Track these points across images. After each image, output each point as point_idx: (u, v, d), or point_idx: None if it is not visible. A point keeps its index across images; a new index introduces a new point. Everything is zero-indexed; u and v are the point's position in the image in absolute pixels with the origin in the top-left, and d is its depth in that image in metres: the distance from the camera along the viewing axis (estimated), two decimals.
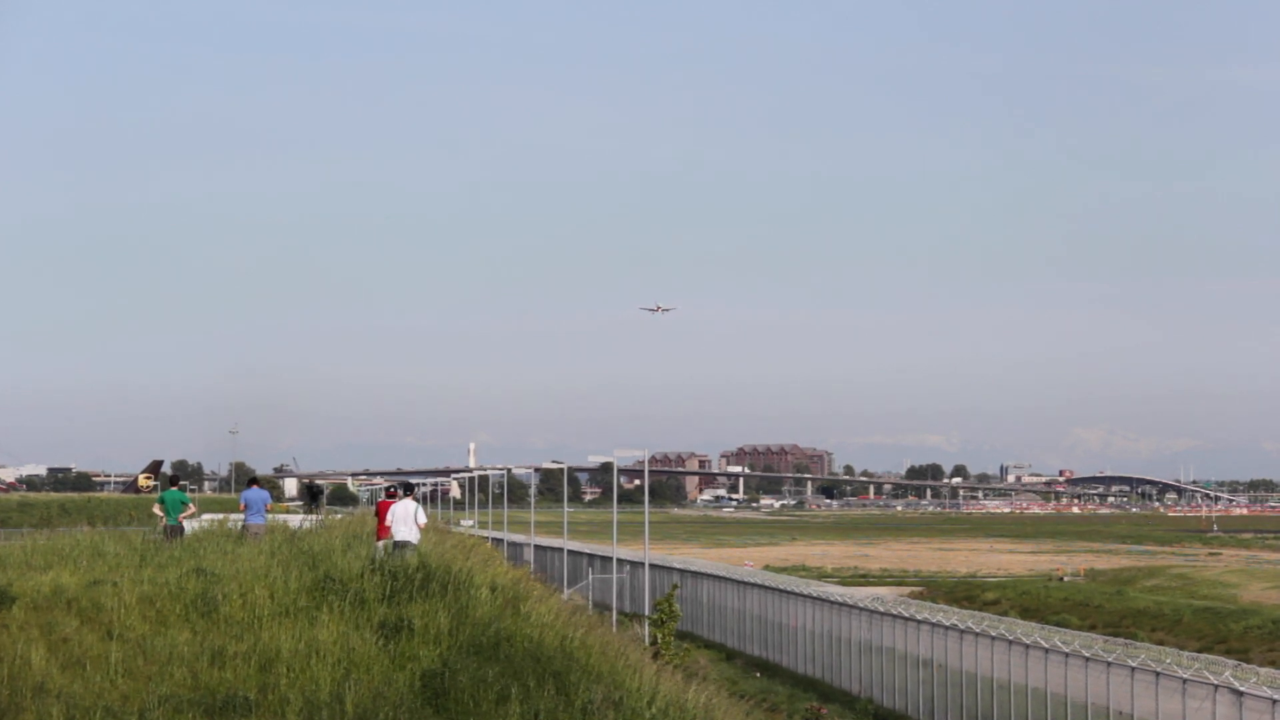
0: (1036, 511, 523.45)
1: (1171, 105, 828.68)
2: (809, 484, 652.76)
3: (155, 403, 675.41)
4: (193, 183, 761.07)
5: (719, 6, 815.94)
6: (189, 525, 45.38)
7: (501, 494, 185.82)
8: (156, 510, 45.08)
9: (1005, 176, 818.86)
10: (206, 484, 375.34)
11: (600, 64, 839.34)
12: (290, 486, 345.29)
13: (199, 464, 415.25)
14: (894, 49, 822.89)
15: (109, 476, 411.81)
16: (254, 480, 51.28)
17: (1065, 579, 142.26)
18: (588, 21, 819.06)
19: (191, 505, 45.77)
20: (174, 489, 45.92)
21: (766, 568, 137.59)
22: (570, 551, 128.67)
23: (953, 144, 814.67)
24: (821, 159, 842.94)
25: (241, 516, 46.01)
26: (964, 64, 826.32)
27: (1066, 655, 57.57)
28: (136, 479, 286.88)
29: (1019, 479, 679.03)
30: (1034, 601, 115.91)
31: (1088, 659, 56.19)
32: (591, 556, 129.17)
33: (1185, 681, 50.27)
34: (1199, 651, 71.07)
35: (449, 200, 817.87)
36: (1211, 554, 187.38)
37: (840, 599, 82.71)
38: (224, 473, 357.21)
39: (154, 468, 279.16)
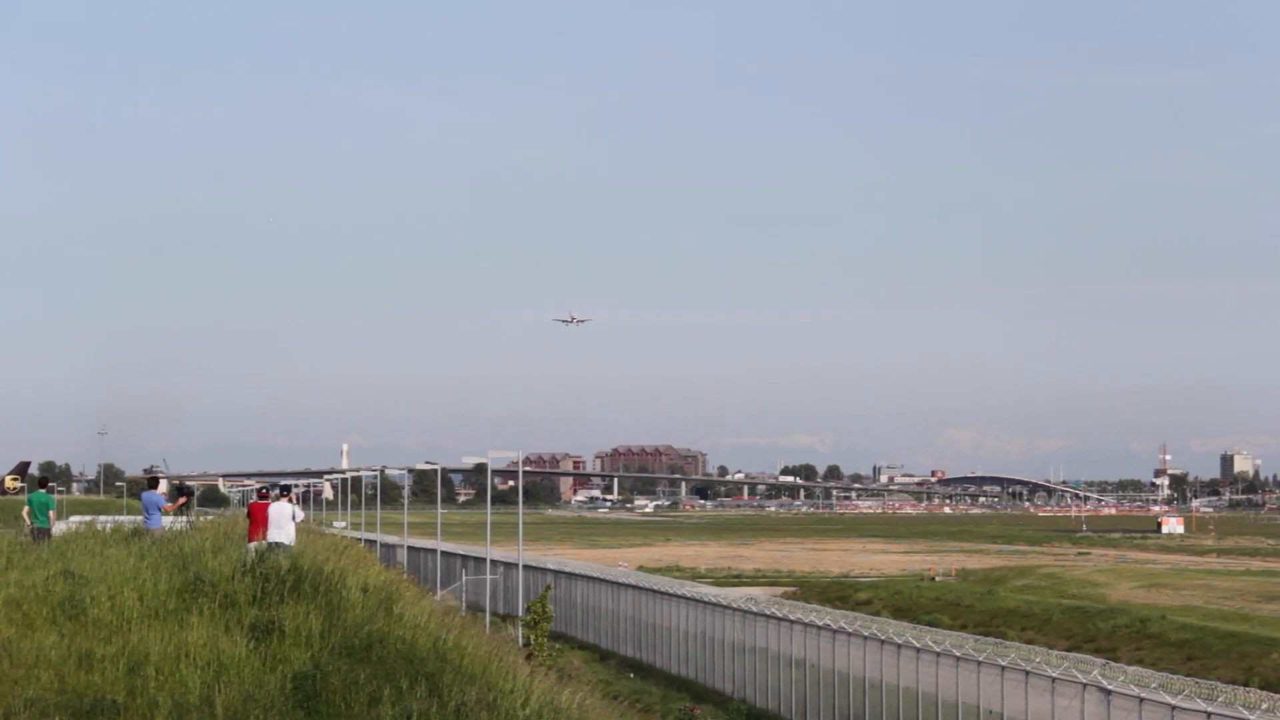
0: (909, 512, 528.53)
1: (1040, 107, 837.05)
2: (683, 485, 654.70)
3: (22, 403, 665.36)
4: (59, 185, 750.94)
5: (624, 10, 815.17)
6: (57, 527, 44.82)
7: (375, 495, 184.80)
8: (24, 513, 44.49)
9: (876, 181, 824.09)
10: (75, 485, 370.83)
11: (479, 68, 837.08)
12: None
13: (67, 465, 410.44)
14: (790, 53, 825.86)
15: None
16: (153, 481, 50.66)
17: (937, 579, 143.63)
18: (491, 22, 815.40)
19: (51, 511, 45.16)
20: (41, 491, 45.32)
21: (640, 568, 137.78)
22: (444, 553, 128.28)
23: (821, 147, 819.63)
24: (698, 163, 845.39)
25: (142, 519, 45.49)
26: (856, 63, 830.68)
27: (938, 655, 58.03)
28: (3, 480, 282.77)
29: (891, 479, 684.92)
30: (906, 601, 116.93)
31: (958, 658, 56.66)
32: (465, 558, 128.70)
33: (1054, 680, 50.81)
34: (1068, 650, 71.87)
35: (324, 199, 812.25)
36: (1080, 554, 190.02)
37: (714, 599, 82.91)
38: (92, 474, 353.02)
39: (21, 469, 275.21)
